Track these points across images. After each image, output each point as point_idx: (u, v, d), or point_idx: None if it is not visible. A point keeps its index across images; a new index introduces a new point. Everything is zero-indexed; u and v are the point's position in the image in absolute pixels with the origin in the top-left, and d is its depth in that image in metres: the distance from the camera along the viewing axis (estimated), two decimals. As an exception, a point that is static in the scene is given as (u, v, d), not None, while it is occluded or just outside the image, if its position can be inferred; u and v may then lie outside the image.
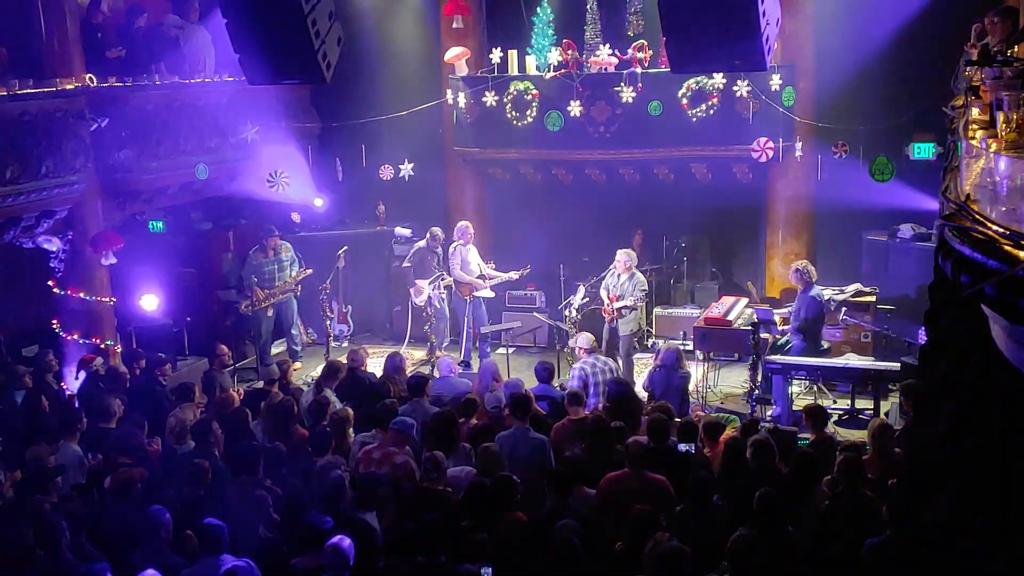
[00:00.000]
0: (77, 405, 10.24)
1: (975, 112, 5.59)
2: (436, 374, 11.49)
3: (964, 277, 4.07)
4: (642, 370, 13.33)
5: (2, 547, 6.72)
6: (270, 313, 13.83)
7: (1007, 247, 3.85)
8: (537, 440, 8.37)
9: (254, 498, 7.29)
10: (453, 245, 13.75)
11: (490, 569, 6.25)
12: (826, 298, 12.03)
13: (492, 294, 14.00)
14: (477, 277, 13.69)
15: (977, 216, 4.34)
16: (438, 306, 13.86)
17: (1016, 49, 6.75)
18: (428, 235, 14.03)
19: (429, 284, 13.79)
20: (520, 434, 8.38)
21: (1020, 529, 3.79)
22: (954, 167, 5.60)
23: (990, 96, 5.45)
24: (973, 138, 5.12)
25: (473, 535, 6.76)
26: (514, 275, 13.84)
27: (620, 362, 12.69)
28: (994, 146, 4.70)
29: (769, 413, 11.16)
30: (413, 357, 13.75)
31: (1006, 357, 4.11)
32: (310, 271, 14.12)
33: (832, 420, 10.23)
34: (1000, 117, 4.94)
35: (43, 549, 6.64)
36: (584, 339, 10.91)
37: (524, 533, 6.95)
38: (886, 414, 10.37)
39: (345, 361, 10.68)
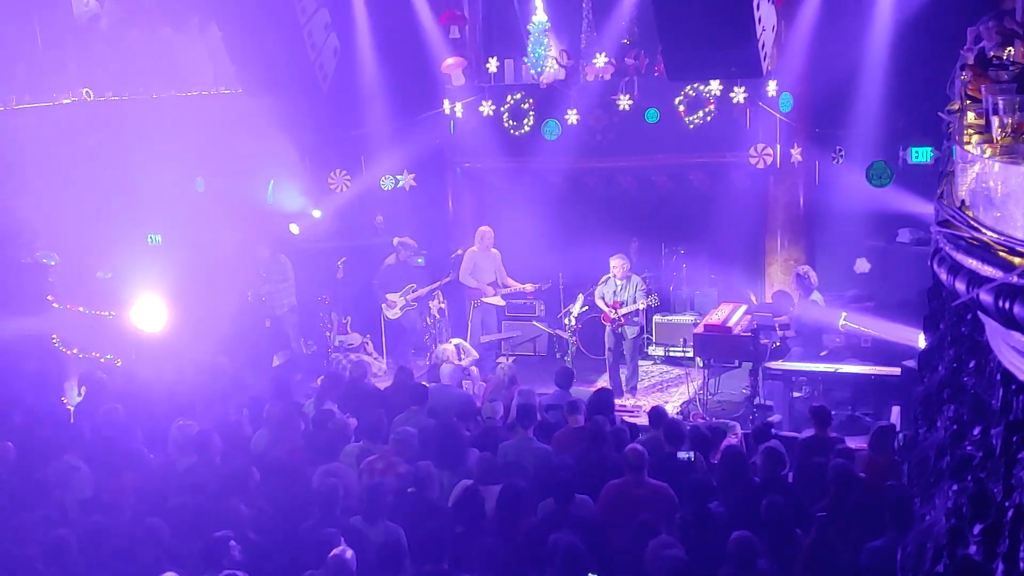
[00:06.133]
0: (78, 420, 10.22)
1: (971, 117, 5.58)
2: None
3: (959, 283, 4.07)
4: (643, 376, 13.39)
5: (9, 564, 6.72)
6: (268, 324, 13.82)
7: (1002, 253, 3.86)
8: (540, 449, 8.37)
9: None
10: (467, 250, 13.80)
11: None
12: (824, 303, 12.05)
13: (503, 303, 14.02)
14: (489, 284, 13.70)
15: (972, 222, 4.35)
16: (437, 316, 13.84)
17: (1011, 52, 6.75)
18: (399, 247, 14.07)
19: (400, 295, 13.84)
20: (523, 443, 8.39)
21: (1018, 534, 3.78)
22: (949, 172, 5.60)
23: (985, 101, 5.44)
24: (968, 143, 5.12)
25: (474, 543, 6.79)
26: (529, 287, 13.90)
27: (626, 367, 12.75)
28: (988, 151, 4.70)
29: (769, 419, 11.14)
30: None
31: (1002, 363, 4.12)
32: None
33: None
34: (995, 122, 4.94)
35: (52, 566, 6.63)
36: None
37: (525, 541, 6.96)
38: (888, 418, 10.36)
39: (346, 371, 10.71)
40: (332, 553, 6.30)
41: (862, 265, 12.63)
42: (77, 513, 7.93)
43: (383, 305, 14.06)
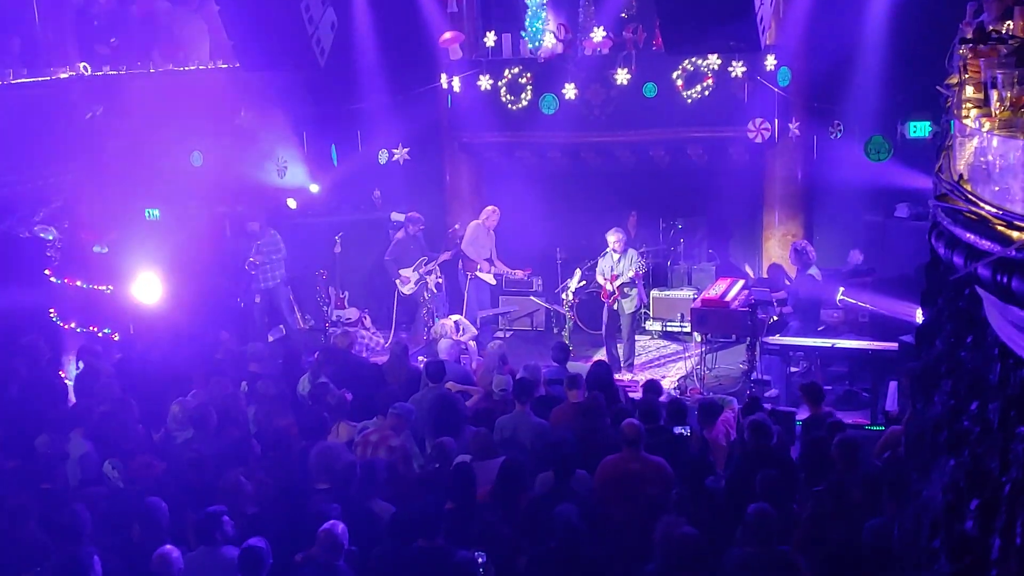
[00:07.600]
0: (75, 394, 10.24)
1: (969, 90, 5.55)
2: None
3: (956, 258, 4.06)
4: (640, 351, 13.41)
5: (15, 541, 6.72)
6: (258, 299, 13.80)
7: (999, 227, 3.84)
8: (538, 424, 8.38)
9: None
10: (473, 222, 13.91)
11: (484, 554, 6.27)
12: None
13: (494, 281, 14.08)
14: (485, 260, 13.77)
15: (970, 196, 4.33)
16: (434, 291, 13.86)
17: (1011, 26, 6.71)
18: (407, 222, 14.04)
19: (413, 270, 13.84)
20: (521, 418, 8.40)
21: (1014, 509, 3.79)
22: (947, 146, 5.58)
23: (984, 74, 5.42)
24: (967, 117, 5.09)
25: (471, 519, 6.81)
26: (519, 274, 14.10)
27: (623, 344, 12.77)
28: (987, 125, 4.68)
29: (767, 394, 11.18)
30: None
31: (1000, 337, 4.11)
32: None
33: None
34: (994, 96, 4.91)
35: (60, 540, 6.63)
36: None
37: (523, 516, 6.98)
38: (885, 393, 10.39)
39: (338, 344, 10.75)
40: (323, 527, 6.29)
41: (855, 256, 12.68)
42: (77, 488, 7.95)
43: (397, 281, 14.07)
